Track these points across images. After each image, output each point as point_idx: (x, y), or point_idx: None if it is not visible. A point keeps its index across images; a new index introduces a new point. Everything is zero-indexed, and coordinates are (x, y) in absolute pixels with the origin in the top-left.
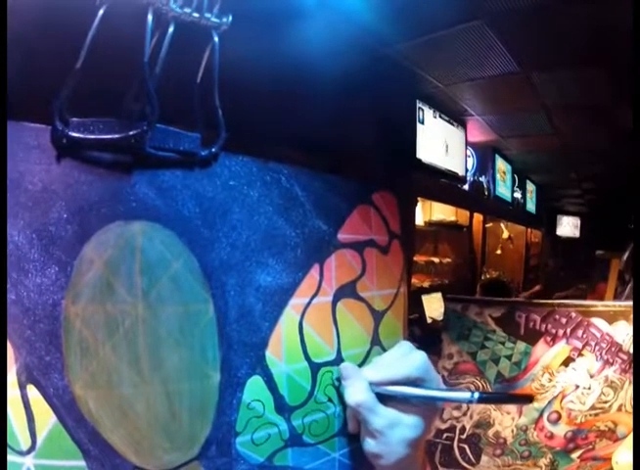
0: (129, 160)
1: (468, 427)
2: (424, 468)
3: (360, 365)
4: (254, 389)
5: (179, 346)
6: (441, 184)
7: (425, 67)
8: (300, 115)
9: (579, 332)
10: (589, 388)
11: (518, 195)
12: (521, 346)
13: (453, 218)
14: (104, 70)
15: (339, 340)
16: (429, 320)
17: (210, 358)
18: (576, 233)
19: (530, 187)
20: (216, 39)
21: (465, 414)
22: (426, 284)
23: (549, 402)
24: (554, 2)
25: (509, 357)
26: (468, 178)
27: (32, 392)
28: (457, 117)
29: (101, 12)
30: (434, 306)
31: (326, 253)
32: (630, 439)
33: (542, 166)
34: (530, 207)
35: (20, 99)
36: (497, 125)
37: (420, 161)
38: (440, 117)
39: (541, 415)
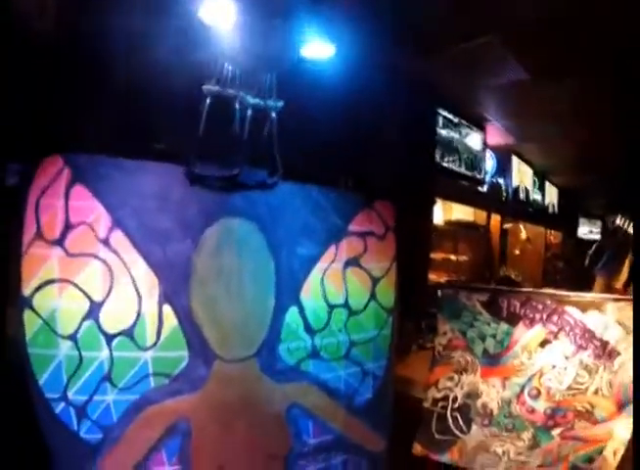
0: (230, 185)
1: (459, 397)
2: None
3: (362, 312)
4: (293, 314)
5: (253, 284)
6: (460, 186)
7: (444, 77)
8: (327, 145)
9: (554, 318)
10: (565, 368)
11: (538, 196)
12: (503, 326)
13: (471, 219)
14: (215, 134)
15: (346, 292)
16: None
17: (269, 292)
18: (596, 236)
19: (551, 189)
20: (274, 115)
21: (457, 385)
22: (443, 280)
23: (529, 379)
24: (563, 16)
25: (493, 336)
26: (487, 180)
27: (166, 307)
28: (476, 123)
29: (208, 100)
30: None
31: (340, 237)
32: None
33: (562, 169)
34: (550, 208)
35: (166, 145)
36: (515, 130)
37: (439, 164)
38: (460, 122)
39: (522, 390)
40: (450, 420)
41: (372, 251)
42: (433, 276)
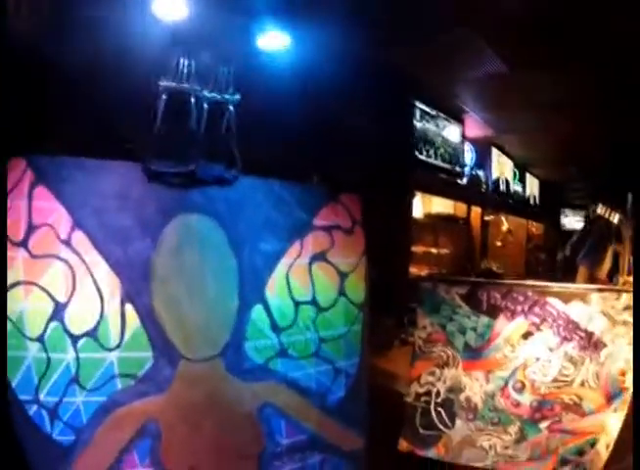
0: (188, 181)
1: (442, 391)
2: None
3: (330, 307)
4: (258, 312)
5: (215, 283)
6: (439, 179)
7: (421, 69)
8: (289, 138)
9: (536, 309)
10: (549, 361)
11: (518, 188)
12: (484, 319)
13: (452, 212)
14: (171, 129)
15: (313, 288)
16: None
17: (232, 291)
18: (577, 226)
19: (532, 180)
20: (231, 108)
21: (439, 379)
22: (424, 273)
23: (513, 372)
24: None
25: (474, 329)
26: (466, 173)
27: (128, 307)
28: (454, 115)
29: (163, 95)
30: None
31: (305, 232)
32: None
33: (543, 161)
34: (532, 200)
35: (124, 144)
36: (494, 122)
37: (416, 157)
38: (438, 114)
39: (506, 384)
40: (434, 415)
41: (339, 245)
42: (414, 270)
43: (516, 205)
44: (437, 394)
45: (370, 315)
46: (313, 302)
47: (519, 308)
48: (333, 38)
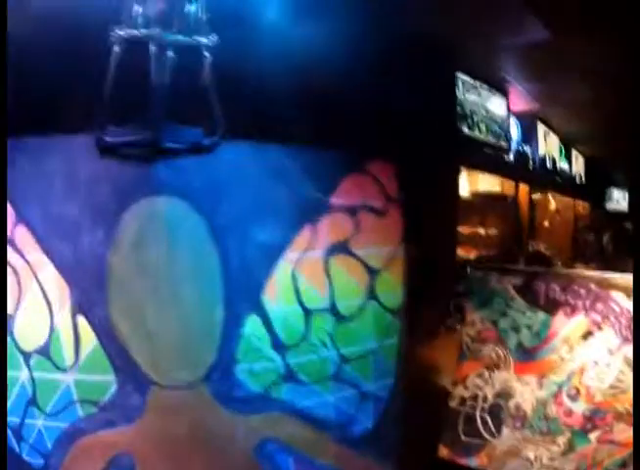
0: (151, 152)
1: (490, 396)
2: None
3: (356, 316)
4: (253, 325)
5: (191, 287)
6: (485, 155)
7: (462, 38)
8: (292, 90)
9: (598, 305)
10: (608, 365)
11: (565, 166)
12: (540, 315)
13: (498, 189)
14: (127, 90)
15: (331, 290)
16: None
17: (215, 297)
18: (624, 206)
19: (578, 158)
20: (207, 55)
21: (487, 383)
22: (472, 256)
23: (568, 377)
24: None
25: (529, 327)
26: (512, 148)
27: (81, 321)
28: (498, 86)
29: (116, 48)
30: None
31: (318, 215)
32: None
33: (590, 137)
34: (578, 178)
35: (70, 114)
36: (540, 94)
37: (460, 131)
38: (481, 86)
39: (560, 389)
40: (479, 421)
41: (367, 231)
42: (460, 252)
43: (563, 183)
44: (485, 399)
45: (410, 322)
46: (331, 309)
47: (580, 304)
48: None
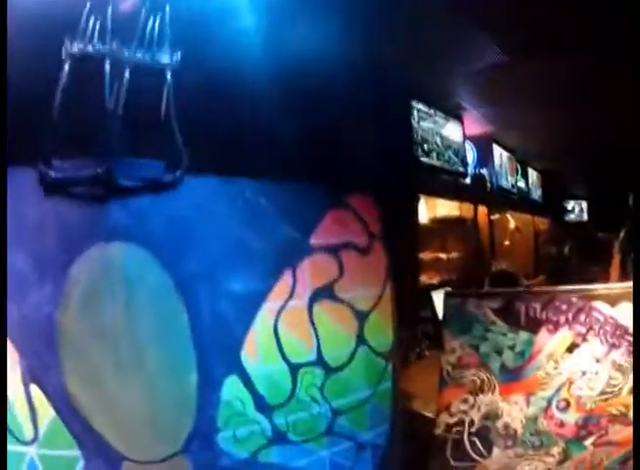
0: (103, 190)
1: (477, 420)
2: None
3: (346, 365)
4: (233, 387)
5: (157, 349)
6: (442, 180)
7: (415, 66)
8: (271, 125)
9: (582, 317)
10: (596, 373)
11: (521, 184)
12: (523, 335)
13: (457, 213)
14: (76, 116)
15: (318, 341)
16: (440, 317)
17: (186, 360)
18: (584, 217)
19: (534, 174)
20: (169, 77)
21: (472, 407)
22: (435, 281)
23: (556, 391)
24: None
25: (512, 348)
26: (469, 172)
27: (34, 389)
28: (453, 112)
29: (66, 66)
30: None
31: (298, 258)
32: None
33: (544, 154)
34: (535, 195)
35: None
36: (494, 118)
37: (417, 159)
38: (436, 113)
39: (549, 404)
40: (468, 445)
41: (352, 271)
42: (423, 278)
43: (521, 201)
44: (472, 423)
45: (400, 366)
46: (319, 361)
47: (562, 319)
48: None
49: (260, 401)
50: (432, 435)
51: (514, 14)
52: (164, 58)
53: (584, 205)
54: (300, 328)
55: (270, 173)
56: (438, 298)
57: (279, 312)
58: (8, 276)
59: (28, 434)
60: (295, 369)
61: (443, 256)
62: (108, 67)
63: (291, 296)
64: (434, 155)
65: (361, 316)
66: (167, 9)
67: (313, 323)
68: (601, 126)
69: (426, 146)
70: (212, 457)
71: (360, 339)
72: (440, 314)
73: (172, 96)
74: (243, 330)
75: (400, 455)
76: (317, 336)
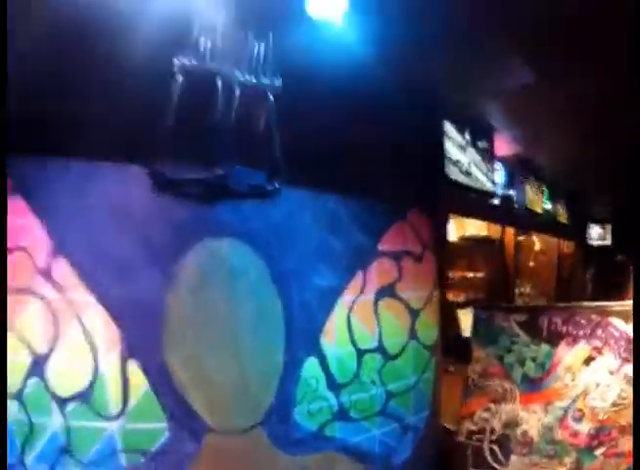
0: (215, 192)
1: (497, 428)
2: None
3: (398, 355)
4: (311, 367)
5: (253, 333)
6: (471, 200)
7: (447, 85)
8: (340, 149)
9: (599, 332)
10: (609, 385)
11: (548, 206)
12: (544, 348)
13: (485, 233)
14: (189, 124)
15: (380, 331)
16: (465, 334)
17: (276, 342)
18: (607, 241)
19: (561, 197)
20: (271, 97)
21: (494, 415)
22: (461, 299)
23: (572, 401)
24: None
25: (533, 359)
26: (497, 192)
27: (132, 365)
28: (483, 133)
29: (179, 78)
30: (470, 320)
31: (368, 260)
32: None
33: (571, 176)
34: (562, 217)
35: (121, 139)
36: (522, 139)
37: (448, 177)
38: (466, 133)
39: (566, 414)
40: (487, 452)
41: (408, 275)
42: (449, 295)
43: (547, 224)
44: (492, 431)
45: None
46: (380, 348)
47: (581, 333)
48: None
49: (331, 380)
50: (454, 442)
51: (546, 35)
52: (268, 81)
53: (609, 228)
54: (367, 319)
55: (348, 188)
56: (463, 315)
57: (352, 304)
58: (113, 261)
59: (115, 408)
60: (360, 354)
61: (469, 274)
62: (220, 83)
63: (362, 291)
64: (464, 174)
65: (414, 313)
66: (271, 37)
67: (377, 315)
68: (630, 150)
69: (456, 166)
70: (287, 429)
71: (412, 332)
72: (464, 331)
73: (274, 116)
74: (323, 318)
75: (433, 440)
76: (379, 326)
